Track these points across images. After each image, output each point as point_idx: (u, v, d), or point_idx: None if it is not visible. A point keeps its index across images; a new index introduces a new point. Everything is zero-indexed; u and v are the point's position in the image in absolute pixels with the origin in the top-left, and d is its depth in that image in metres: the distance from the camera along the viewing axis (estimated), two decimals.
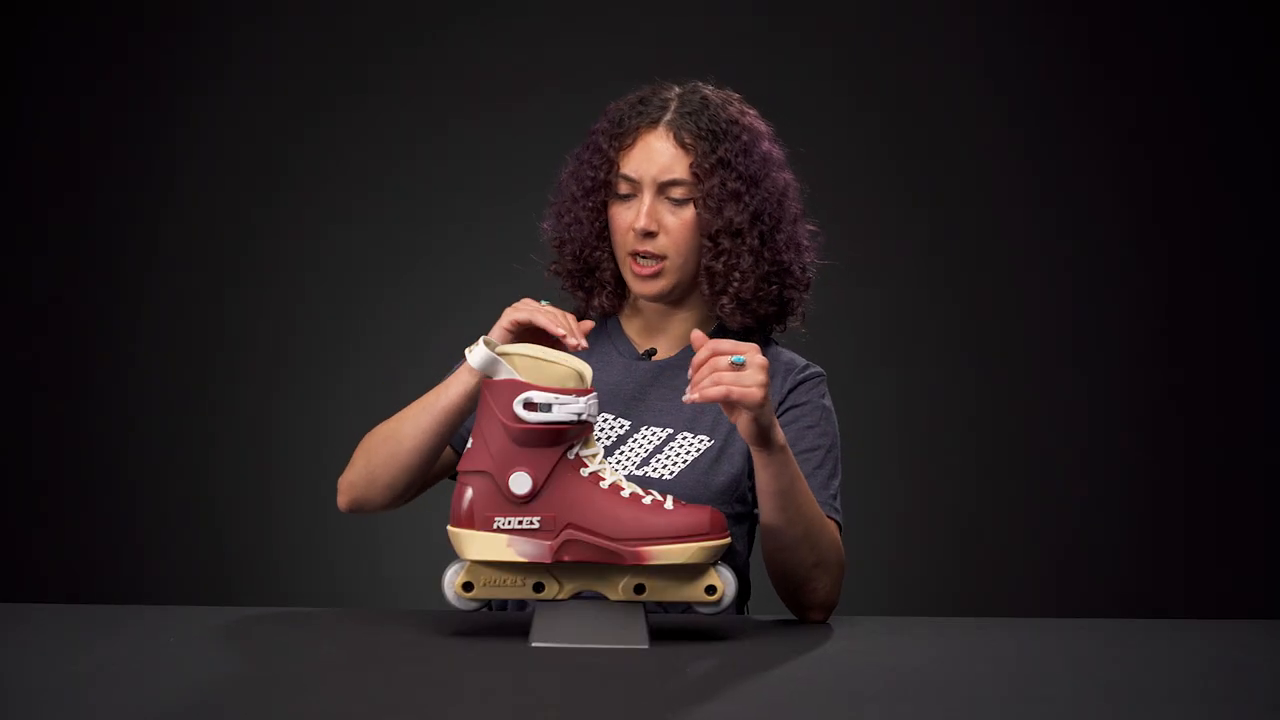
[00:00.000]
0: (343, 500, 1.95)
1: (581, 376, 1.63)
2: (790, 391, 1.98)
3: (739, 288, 1.95)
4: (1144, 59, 3.64)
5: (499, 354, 1.63)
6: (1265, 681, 1.54)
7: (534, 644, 1.64)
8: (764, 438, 1.73)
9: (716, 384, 1.68)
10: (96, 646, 1.61)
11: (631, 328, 2.04)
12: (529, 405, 1.61)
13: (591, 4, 3.66)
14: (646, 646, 1.64)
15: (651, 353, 2.00)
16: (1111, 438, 3.62)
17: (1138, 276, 3.63)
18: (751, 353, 1.69)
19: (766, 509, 1.80)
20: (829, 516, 1.92)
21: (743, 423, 1.71)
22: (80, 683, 1.43)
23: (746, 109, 2.00)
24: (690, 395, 1.69)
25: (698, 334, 1.73)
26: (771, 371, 1.96)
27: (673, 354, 2.01)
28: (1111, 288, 3.63)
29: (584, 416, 1.62)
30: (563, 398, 1.61)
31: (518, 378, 1.62)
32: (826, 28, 3.66)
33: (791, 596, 1.85)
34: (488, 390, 1.63)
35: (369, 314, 3.66)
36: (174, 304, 3.64)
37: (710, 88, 1.99)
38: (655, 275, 1.94)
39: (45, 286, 3.62)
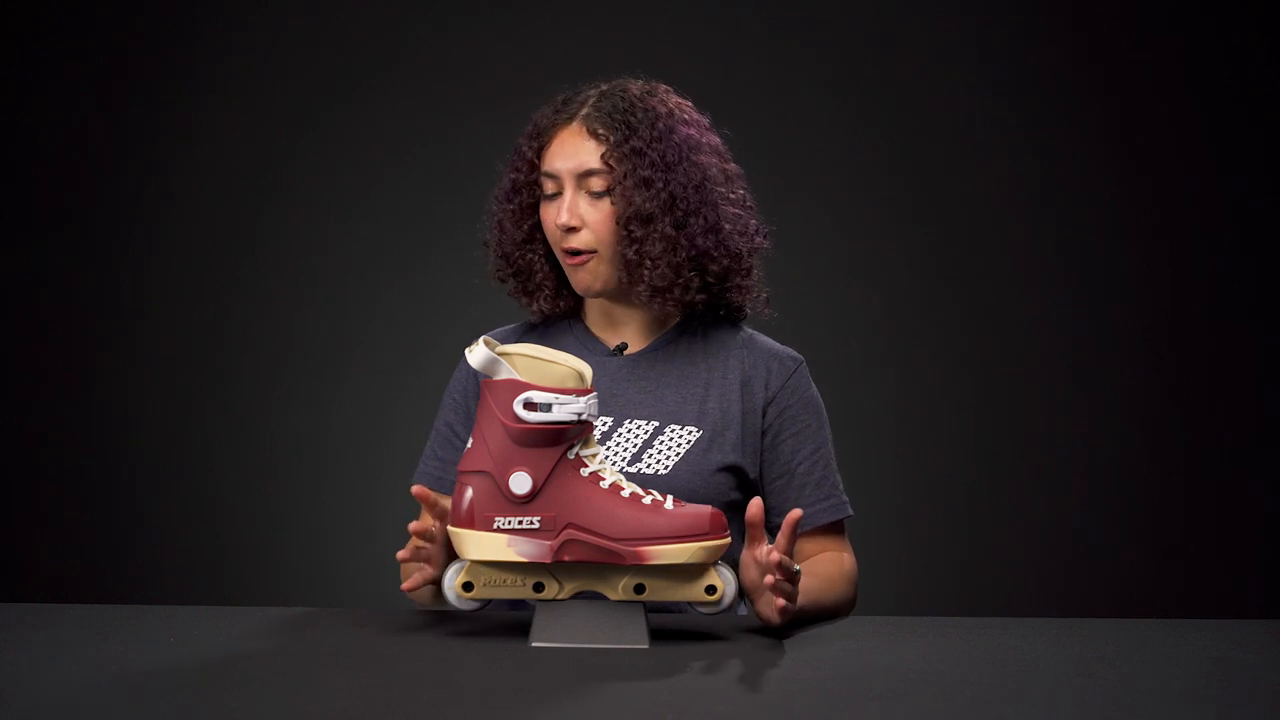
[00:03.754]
0: None
1: (581, 376, 1.63)
2: (779, 391, 2.00)
3: (651, 275, 1.95)
4: (1144, 60, 3.64)
5: (499, 354, 1.63)
6: (1265, 681, 1.54)
7: (534, 644, 1.64)
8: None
9: (782, 595, 1.69)
10: (96, 646, 1.61)
11: (595, 324, 2.04)
12: (529, 405, 1.61)
13: (593, 5, 3.66)
14: (646, 646, 1.64)
15: (622, 347, 2.01)
16: (1111, 438, 3.62)
17: (1138, 276, 3.63)
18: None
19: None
20: (844, 516, 2.00)
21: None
22: (80, 683, 1.43)
23: (672, 98, 2.00)
24: (764, 610, 1.71)
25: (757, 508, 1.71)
26: (753, 360, 1.98)
27: (643, 346, 2.02)
28: (1112, 288, 3.63)
29: (584, 416, 1.62)
30: (563, 397, 1.61)
31: (518, 378, 1.62)
32: (826, 29, 3.66)
33: None
34: (488, 390, 1.63)
35: (369, 314, 3.66)
36: (175, 304, 3.64)
37: (639, 82, 2.01)
38: (585, 269, 1.95)
39: (46, 287, 3.62)
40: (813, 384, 2.04)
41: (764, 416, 1.99)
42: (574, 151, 1.95)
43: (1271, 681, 1.54)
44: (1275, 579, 3.55)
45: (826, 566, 1.94)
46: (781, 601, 1.68)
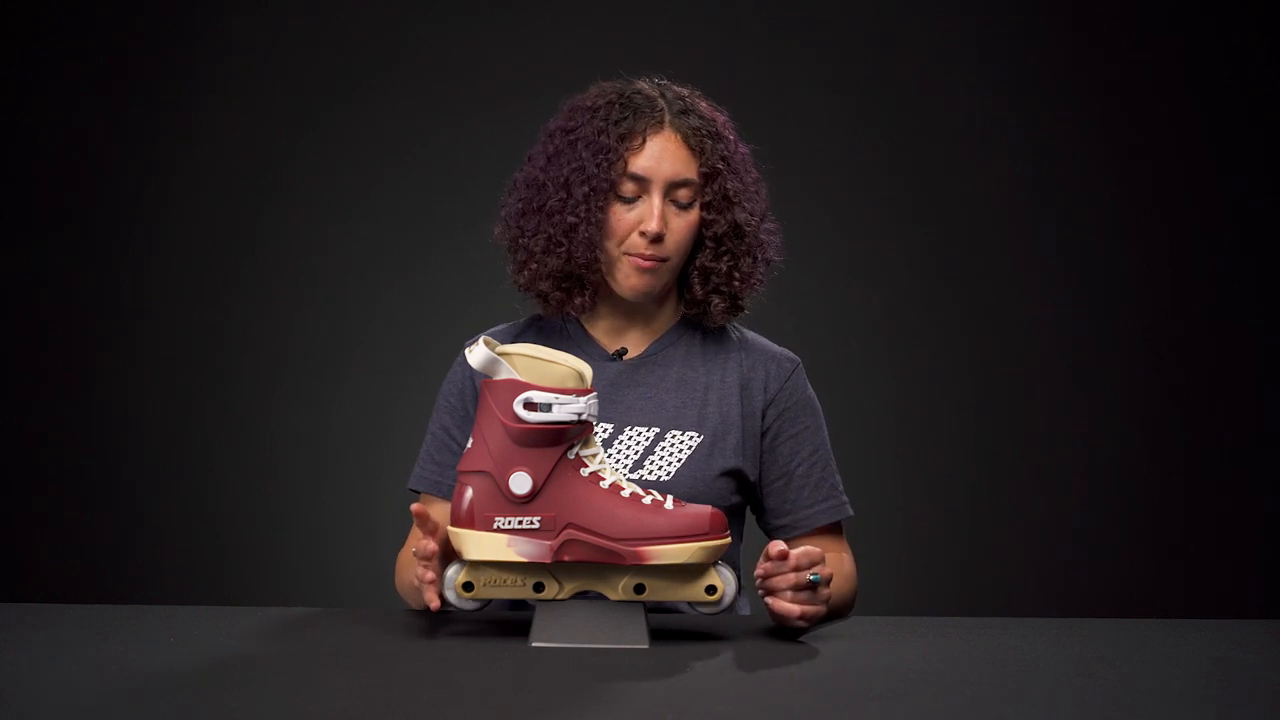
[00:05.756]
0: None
1: (581, 376, 1.63)
2: (778, 392, 1.99)
3: (738, 288, 1.96)
4: (1144, 60, 3.64)
5: (499, 354, 1.63)
6: (1265, 681, 1.54)
7: (534, 644, 1.64)
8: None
9: (795, 602, 1.68)
10: (96, 646, 1.61)
11: (597, 329, 2.03)
12: (529, 405, 1.61)
13: (593, 5, 3.66)
14: (646, 646, 1.64)
15: (622, 353, 2.00)
16: (1111, 438, 3.62)
17: (1138, 276, 3.63)
18: (823, 571, 1.70)
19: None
20: (844, 517, 2.00)
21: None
22: (80, 683, 1.43)
23: (712, 105, 2.01)
24: (770, 600, 1.69)
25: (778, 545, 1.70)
26: (751, 362, 1.98)
27: (643, 349, 2.01)
28: (1112, 288, 3.63)
29: (584, 416, 1.62)
30: (563, 397, 1.61)
31: (518, 378, 1.62)
32: (826, 29, 3.66)
33: None
34: (488, 390, 1.63)
35: (369, 314, 3.66)
36: (175, 304, 3.64)
37: (677, 85, 2.00)
38: (654, 272, 1.94)
39: (46, 287, 3.62)
40: (809, 385, 2.04)
41: (763, 418, 1.99)
42: (669, 158, 1.93)
43: (1271, 681, 1.54)
44: (1275, 579, 3.55)
45: (833, 568, 1.94)
46: (798, 609, 1.68)
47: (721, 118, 1.99)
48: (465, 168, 3.58)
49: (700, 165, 1.93)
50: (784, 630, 1.74)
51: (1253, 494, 3.59)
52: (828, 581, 1.70)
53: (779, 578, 1.69)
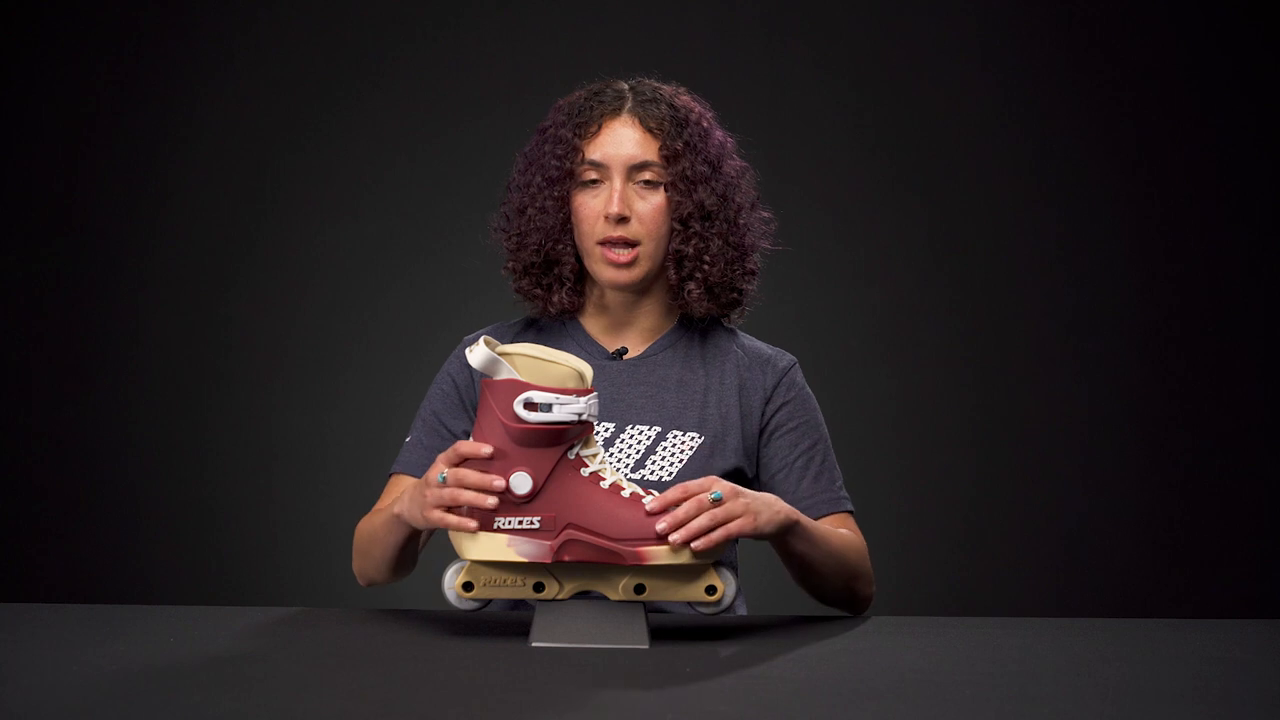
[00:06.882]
0: (360, 580, 2.02)
1: (582, 376, 1.62)
2: (775, 388, 2.00)
3: (709, 271, 1.96)
4: (1144, 59, 3.64)
5: (499, 353, 1.63)
6: (1265, 681, 1.54)
7: (534, 644, 1.64)
8: (780, 534, 1.74)
9: (713, 529, 1.62)
10: (97, 646, 1.61)
11: (595, 327, 2.03)
12: (529, 405, 1.61)
13: (593, 5, 3.66)
14: (646, 646, 1.64)
15: (622, 352, 2.00)
16: (1111, 437, 3.62)
17: (1138, 276, 3.63)
18: (720, 485, 1.64)
19: (800, 567, 1.84)
20: (843, 511, 1.98)
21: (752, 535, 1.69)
22: (80, 683, 1.43)
23: (693, 99, 2.02)
24: (688, 542, 1.61)
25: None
26: (749, 362, 1.98)
27: (642, 349, 2.01)
28: (1112, 287, 3.63)
29: (584, 416, 1.61)
30: (563, 398, 1.61)
31: (518, 378, 1.61)
32: (826, 29, 3.66)
33: (840, 606, 1.93)
34: (488, 390, 1.63)
35: (368, 315, 3.66)
36: (174, 304, 3.64)
37: (655, 81, 2.01)
38: (630, 264, 1.94)
39: (46, 287, 3.62)
40: (806, 383, 2.04)
41: (762, 415, 1.99)
42: (626, 142, 1.94)
43: (1271, 681, 1.54)
44: (1275, 579, 3.55)
45: (835, 526, 1.94)
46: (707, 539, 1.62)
47: (698, 108, 1.99)
48: (465, 168, 3.58)
49: (661, 148, 1.94)
50: (784, 630, 1.74)
51: (1253, 494, 3.59)
52: (735, 495, 1.65)
53: (684, 512, 1.62)
